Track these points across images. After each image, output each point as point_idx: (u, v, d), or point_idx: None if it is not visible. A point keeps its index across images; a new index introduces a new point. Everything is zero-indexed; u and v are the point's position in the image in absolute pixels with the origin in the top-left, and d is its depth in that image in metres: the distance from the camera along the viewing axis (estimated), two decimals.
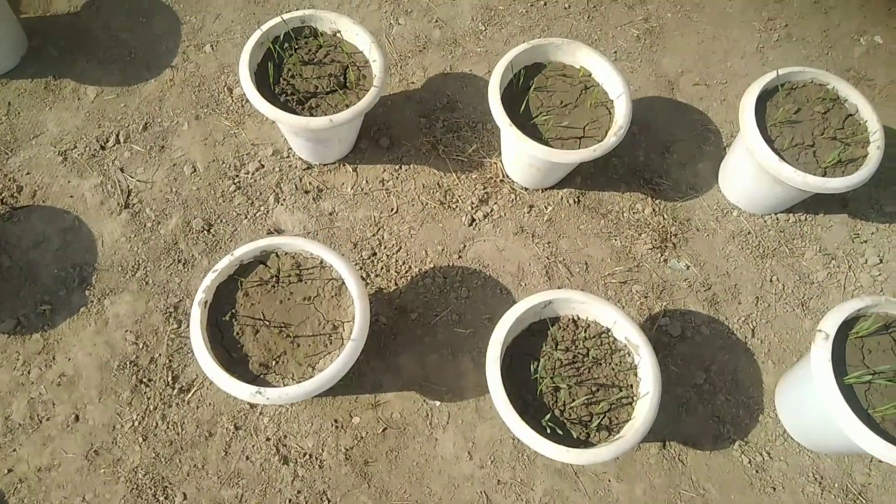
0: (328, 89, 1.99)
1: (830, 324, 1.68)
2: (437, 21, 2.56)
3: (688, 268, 2.15)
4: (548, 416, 1.58)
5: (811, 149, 1.99)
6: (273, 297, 1.67)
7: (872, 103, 2.04)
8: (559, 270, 2.13)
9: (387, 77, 2.02)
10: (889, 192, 2.31)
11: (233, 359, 1.59)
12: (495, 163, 2.27)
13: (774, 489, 1.86)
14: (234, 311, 1.64)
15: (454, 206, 2.21)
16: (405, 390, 1.94)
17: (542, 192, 2.25)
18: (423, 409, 1.92)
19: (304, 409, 1.90)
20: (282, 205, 2.18)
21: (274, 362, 1.60)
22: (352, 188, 2.22)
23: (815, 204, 2.26)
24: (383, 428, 1.89)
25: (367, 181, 2.23)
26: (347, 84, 2.01)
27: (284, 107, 1.94)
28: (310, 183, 2.22)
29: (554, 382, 1.63)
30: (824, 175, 1.96)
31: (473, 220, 2.19)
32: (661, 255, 2.17)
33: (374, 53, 2.00)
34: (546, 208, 2.22)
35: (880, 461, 1.90)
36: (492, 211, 2.21)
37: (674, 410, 1.94)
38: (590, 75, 2.07)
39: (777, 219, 2.24)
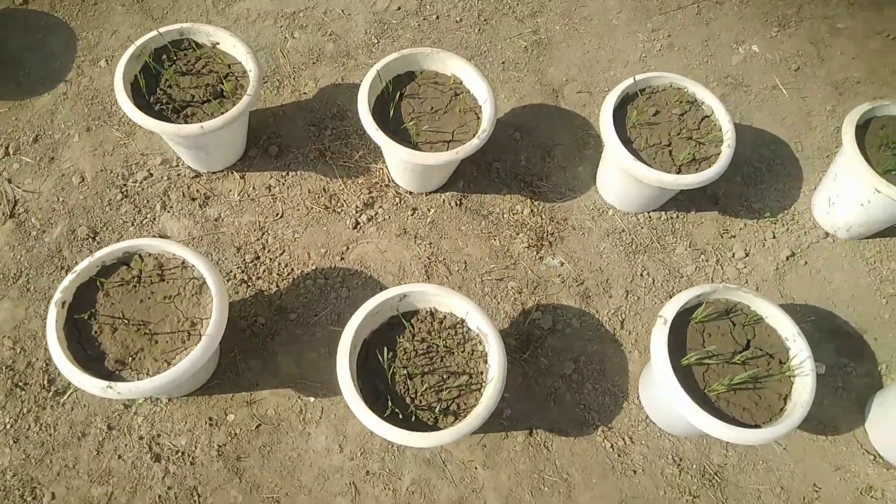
0: (204, 99, 2.06)
1: (670, 310, 1.77)
2: (331, 34, 2.65)
3: (562, 264, 2.24)
4: (395, 404, 1.64)
5: (667, 148, 2.10)
6: (134, 296, 1.72)
7: (728, 106, 2.17)
8: (439, 269, 2.21)
9: (260, 86, 2.10)
10: (757, 190, 2.43)
11: (89, 356, 1.64)
12: (381, 168, 2.35)
13: (635, 472, 1.93)
14: (93, 310, 1.69)
15: (339, 210, 2.28)
16: (281, 388, 1.99)
17: (426, 195, 2.33)
18: (297, 405, 1.97)
19: (179, 409, 1.94)
20: (168, 212, 2.23)
21: (130, 359, 1.65)
22: (238, 195, 2.28)
23: (688, 202, 2.38)
24: (257, 424, 1.93)
25: (254, 188, 2.30)
26: (224, 94, 2.08)
27: (159, 115, 2.00)
28: (197, 191, 2.28)
29: (406, 371, 1.70)
30: (679, 172, 2.06)
31: (358, 223, 2.26)
32: (538, 253, 2.26)
33: (251, 64, 2.08)
34: (429, 211, 2.30)
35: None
36: (376, 214, 2.29)
37: (542, 400, 2.02)
38: (461, 83, 2.17)
39: (650, 217, 2.34)
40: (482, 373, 1.73)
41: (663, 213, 2.35)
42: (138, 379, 1.61)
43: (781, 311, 1.80)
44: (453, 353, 1.76)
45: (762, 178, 2.46)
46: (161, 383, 1.58)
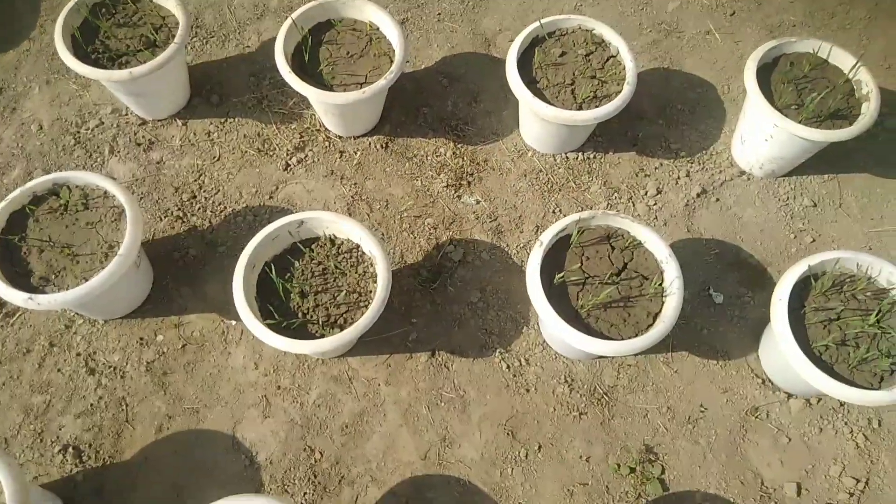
0: (138, 48, 2.23)
1: (547, 235, 1.89)
2: None
3: (478, 202, 2.36)
4: (285, 317, 1.81)
5: (570, 87, 2.19)
6: (60, 222, 1.92)
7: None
8: (361, 207, 2.35)
9: (188, 34, 2.26)
10: (678, 132, 2.50)
11: (16, 273, 1.84)
12: (312, 114, 2.50)
13: (528, 390, 2.06)
14: (23, 234, 1.89)
15: (271, 153, 2.44)
16: (207, 312, 2.18)
17: (354, 139, 2.47)
18: (220, 327, 2.16)
19: (114, 329, 2.14)
20: (115, 156, 2.43)
21: (54, 276, 1.85)
22: (180, 140, 2.46)
23: (607, 144, 2.46)
24: (183, 344, 2.13)
25: (194, 134, 2.48)
26: (157, 43, 2.25)
27: (95, 64, 2.18)
28: (143, 136, 2.47)
29: (301, 290, 1.86)
30: (579, 109, 2.16)
31: (288, 165, 2.42)
32: (456, 192, 2.38)
33: (180, 14, 2.24)
34: (356, 153, 2.45)
35: (629, 365, 2.10)
36: (306, 157, 2.44)
37: (448, 325, 2.16)
38: (377, 29, 2.30)
39: (567, 157, 2.44)
40: (371, 291, 1.88)
41: (581, 153, 2.44)
42: (57, 293, 1.81)
43: (658, 235, 1.89)
44: (346, 274, 1.91)
45: (685, 121, 2.53)
46: (76, 296, 1.78)
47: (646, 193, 2.37)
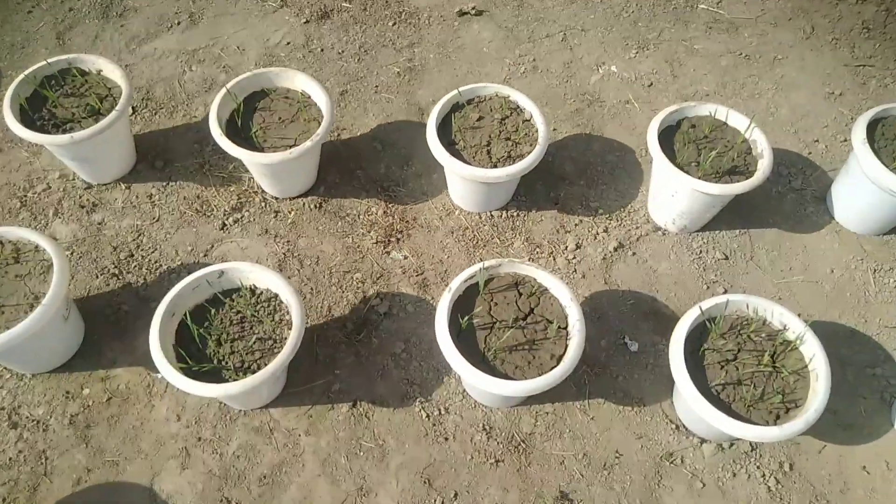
0: (83, 116, 2.38)
1: (456, 282, 1.98)
2: (224, 66, 2.99)
3: (406, 258, 2.46)
4: (200, 363, 1.86)
5: (486, 148, 2.35)
6: None
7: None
8: (292, 263, 2.44)
9: (129, 103, 2.42)
10: (597, 191, 2.65)
11: None
12: (251, 178, 2.64)
13: (446, 439, 2.10)
14: None
15: (209, 213, 2.55)
16: (135, 365, 2.22)
17: (290, 200, 2.60)
18: (146, 380, 2.19)
19: (41, 383, 2.17)
20: (59, 218, 2.53)
21: None
22: (122, 203, 2.58)
23: (529, 203, 2.60)
24: (109, 397, 2.16)
25: (137, 196, 2.60)
26: (101, 112, 2.40)
27: (41, 130, 2.32)
28: (87, 200, 2.58)
29: (218, 337, 1.92)
30: (494, 167, 2.30)
31: (224, 224, 2.53)
32: (385, 248, 2.49)
33: (124, 85, 2.41)
34: (290, 213, 2.56)
35: (546, 413, 2.15)
36: (242, 217, 2.55)
37: (371, 376, 2.21)
38: (309, 97, 2.47)
39: (492, 216, 2.57)
40: (285, 338, 1.94)
41: (505, 211, 2.57)
42: None
43: (561, 282, 1.99)
44: (262, 322, 1.98)
45: (604, 181, 2.68)
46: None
47: (566, 248, 2.49)
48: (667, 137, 2.38)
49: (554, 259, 2.46)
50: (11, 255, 2.03)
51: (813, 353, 1.89)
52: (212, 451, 2.06)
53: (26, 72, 2.39)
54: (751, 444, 2.08)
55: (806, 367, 1.90)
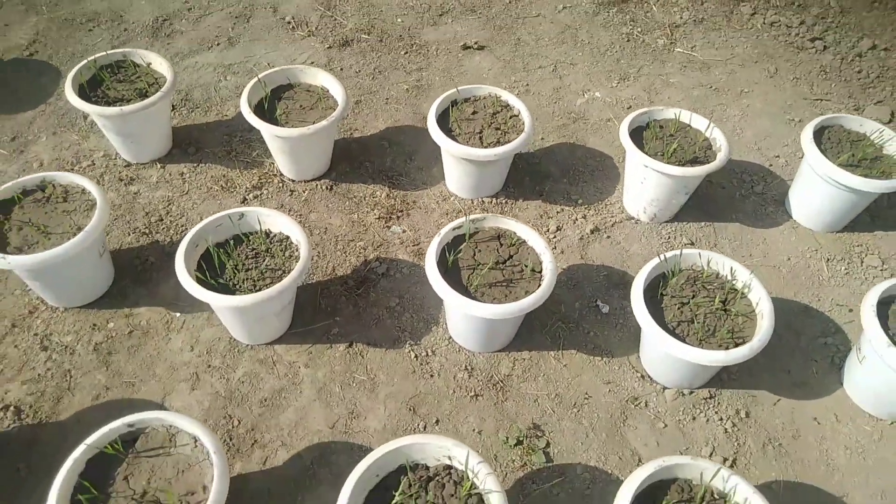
0: (132, 98, 2.76)
1: (445, 229, 2.26)
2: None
3: (404, 231, 2.76)
4: (221, 284, 2.13)
5: (479, 135, 2.69)
6: (42, 209, 2.31)
7: (529, 109, 2.78)
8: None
9: (174, 87, 2.81)
10: (578, 188, 2.97)
11: None
12: (273, 163, 2.98)
13: (432, 376, 2.31)
14: (8, 216, 2.27)
15: (232, 190, 2.88)
16: (156, 306, 2.48)
17: (305, 182, 2.93)
18: (165, 318, 2.45)
19: (72, 315, 2.43)
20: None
21: (27, 247, 2.20)
22: (157, 178, 2.92)
23: (517, 193, 2.92)
24: (130, 330, 2.41)
25: (170, 174, 2.94)
26: (148, 95, 2.78)
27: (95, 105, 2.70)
28: (126, 175, 2.92)
29: (235, 265, 2.20)
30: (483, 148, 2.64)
31: (245, 199, 2.85)
32: (386, 223, 2.79)
33: (169, 74, 2.81)
34: (304, 192, 2.89)
35: (524, 359, 2.37)
36: (261, 194, 2.88)
37: (367, 323, 2.45)
38: (327, 90, 2.85)
39: (483, 201, 2.88)
40: (291, 268, 2.21)
41: (495, 199, 2.88)
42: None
43: (538, 235, 2.27)
44: (275, 257, 2.26)
45: (585, 180, 3.01)
46: (39, 260, 2.10)
47: (548, 230, 2.78)
48: (637, 135, 2.72)
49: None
50: (61, 195, 2.35)
51: (759, 298, 2.13)
52: (219, 376, 2.28)
53: (88, 59, 2.80)
54: (710, 392, 2.28)
55: (753, 310, 2.14)
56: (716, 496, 1.72)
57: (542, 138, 3.20)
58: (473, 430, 2.17)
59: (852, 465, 2.13)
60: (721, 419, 2.23)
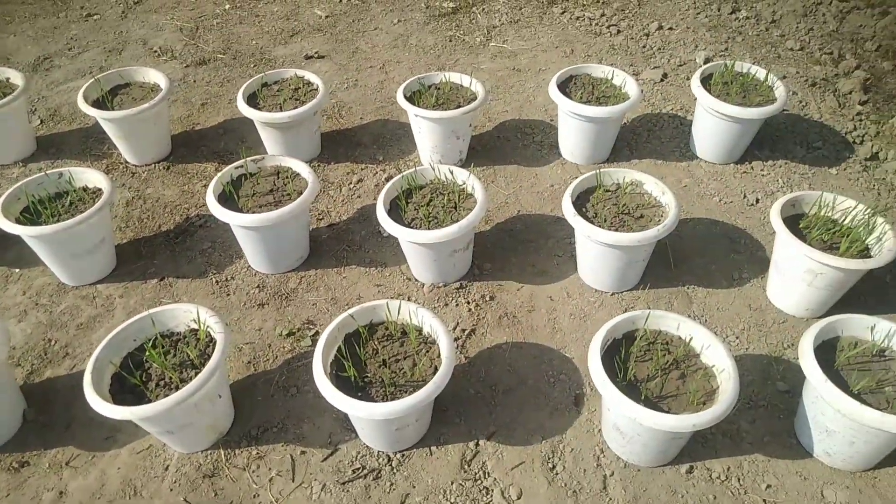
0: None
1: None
2: None
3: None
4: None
5: (280, 106, 3.20)
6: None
7: (324, 81, 3.31)
8: (137, 203, 3.19)
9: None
10: (383, 150, 3.46)
11: None
12: (119, 153, 3.46)
13: (229, 294, 2.72)
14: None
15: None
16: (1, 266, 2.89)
17: (146, 165, 3.40)
18: (6, 273, 2.86)
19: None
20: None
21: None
22: (17, 174, 3.39)
23: (330, 157, 3.40)
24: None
25: (30, 170, 3.41)
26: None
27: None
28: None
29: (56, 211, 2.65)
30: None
31: None
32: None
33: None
34: (143, 173, 3.36)
35: (310, 275, 2.79)
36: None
37: (179, 262, 2.87)
38: (158, 85, 3.38)
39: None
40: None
41: (310, 162, 3.37)
42: None
43: (307, 168, 2.74)
44: (85, 202, 2.70)
45: (391, 145, 3.50)
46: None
47: (350, 182, 3.25)
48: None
49: (340, 190, 3.22)
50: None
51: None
52: (44, 311, 2.68)
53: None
54: (461, 283, 2.71)
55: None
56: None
57: (361, 118, 3.72)
58: (255, 329, 2.57)
59: (573, 326, 2.55)
60: (468, 303, 2.64)
